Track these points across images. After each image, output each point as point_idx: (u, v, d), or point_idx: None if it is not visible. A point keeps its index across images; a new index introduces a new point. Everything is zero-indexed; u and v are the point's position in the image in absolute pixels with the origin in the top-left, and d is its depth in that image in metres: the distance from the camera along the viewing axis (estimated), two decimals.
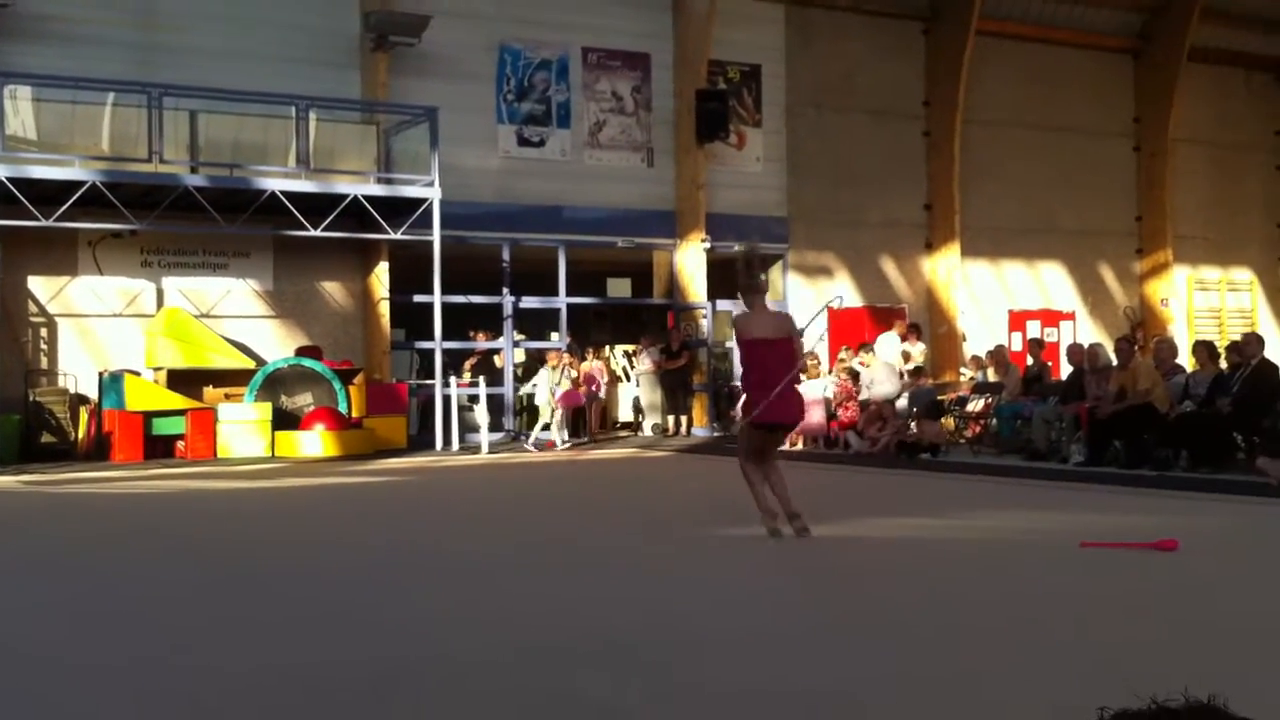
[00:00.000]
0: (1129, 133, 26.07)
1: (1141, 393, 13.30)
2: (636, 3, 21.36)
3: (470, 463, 16.88)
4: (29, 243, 16.80)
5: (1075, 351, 15.68)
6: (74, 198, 16.08)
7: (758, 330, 8.58)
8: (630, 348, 23.27)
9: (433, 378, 18.59)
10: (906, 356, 19.74)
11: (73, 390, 17.27)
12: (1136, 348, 14.94)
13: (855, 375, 17.78)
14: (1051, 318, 24.39)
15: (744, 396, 9.27)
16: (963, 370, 19.46)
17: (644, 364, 21.10)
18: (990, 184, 24.28)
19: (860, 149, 23.26)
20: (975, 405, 16.96)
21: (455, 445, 18.24)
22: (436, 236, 18.06)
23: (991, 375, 17.62)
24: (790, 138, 22.69)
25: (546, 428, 19.03)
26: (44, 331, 17.50)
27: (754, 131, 22.43)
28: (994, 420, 16.38)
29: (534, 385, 19.59)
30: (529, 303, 20.96)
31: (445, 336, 18.66)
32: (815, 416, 16.92)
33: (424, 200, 18.03)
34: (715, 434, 19.33)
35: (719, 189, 21.75)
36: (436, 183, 18.01)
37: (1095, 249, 25.60)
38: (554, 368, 19.20)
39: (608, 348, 23.86)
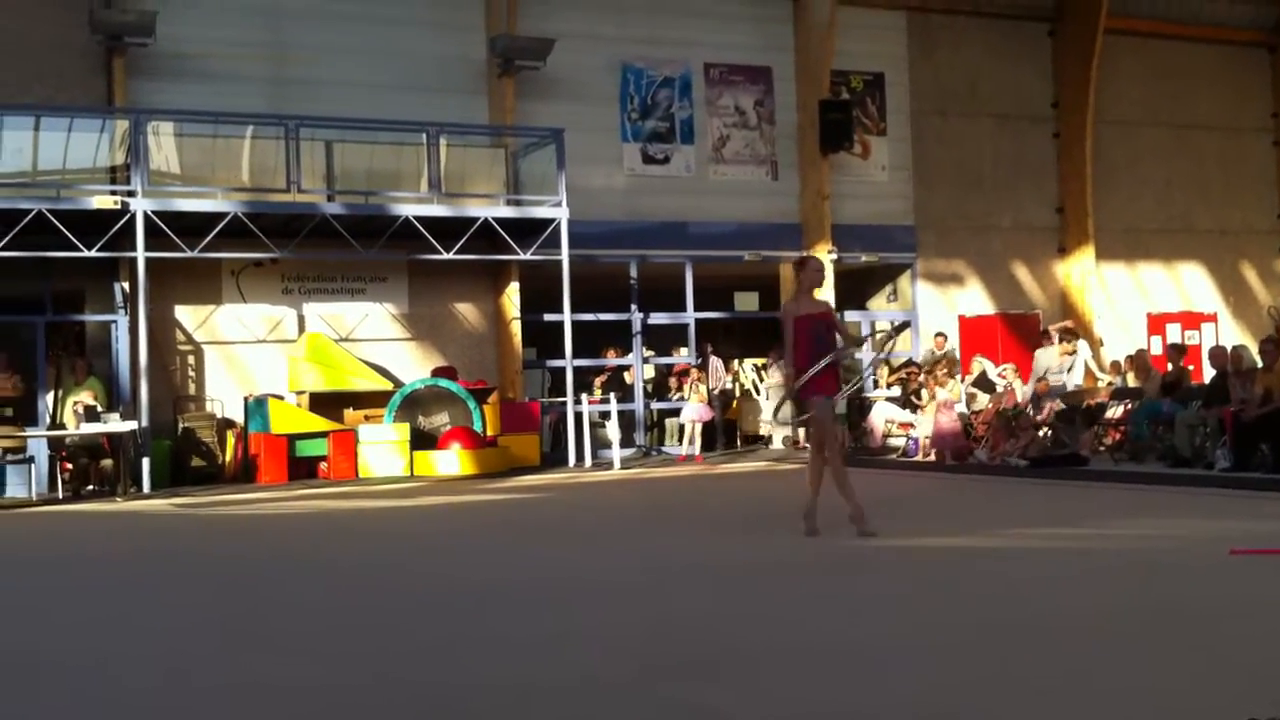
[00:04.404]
0: (1268, 128, 25.35)
1: None
2: (757, 17, 21.42)
3: (603, 479, 17.03)
4: (175, 273, 17.39)
5: (1218, 354, 15.28)
6: (217, 229, 16.61)
7: (805, 309, 9.42)
8: (760, 361, 23.26)
9: (564, 395, 18.80)
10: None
11: (219, 415, 17.82)
12: None
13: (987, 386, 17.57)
14: (1192, 320, 23.77)
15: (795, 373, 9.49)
16: (1100, 375, 19.05)
17: (774, 377, 21.05)
18: (1124, 184, 23.82)
19: (988, 154, 22.99)
20: (1114, 411, 16.59)
21: (588, 462, 18.41)
22: (565, 256, 18.27)
23: (1131, 380, 17.24)
24: (916, 145, 22.51)
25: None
26: (191, 359, 18.10)
27: (879, 140, 22.30)
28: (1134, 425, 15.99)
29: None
30: (657, 319, 21.09)
31: (575, 354, 18.86)
32: (945, 423, 16.72)
33: (552, 220, 18.27)
34: (849, 446, 19.19)
35: (844, 199, 21.67)
36: (564, 203, 18.24)
37: (1235, 248, 24.93)
38: (682, 381, 19.33)
39: (736, 361, 23.88)
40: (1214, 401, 14.29)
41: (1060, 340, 18.11)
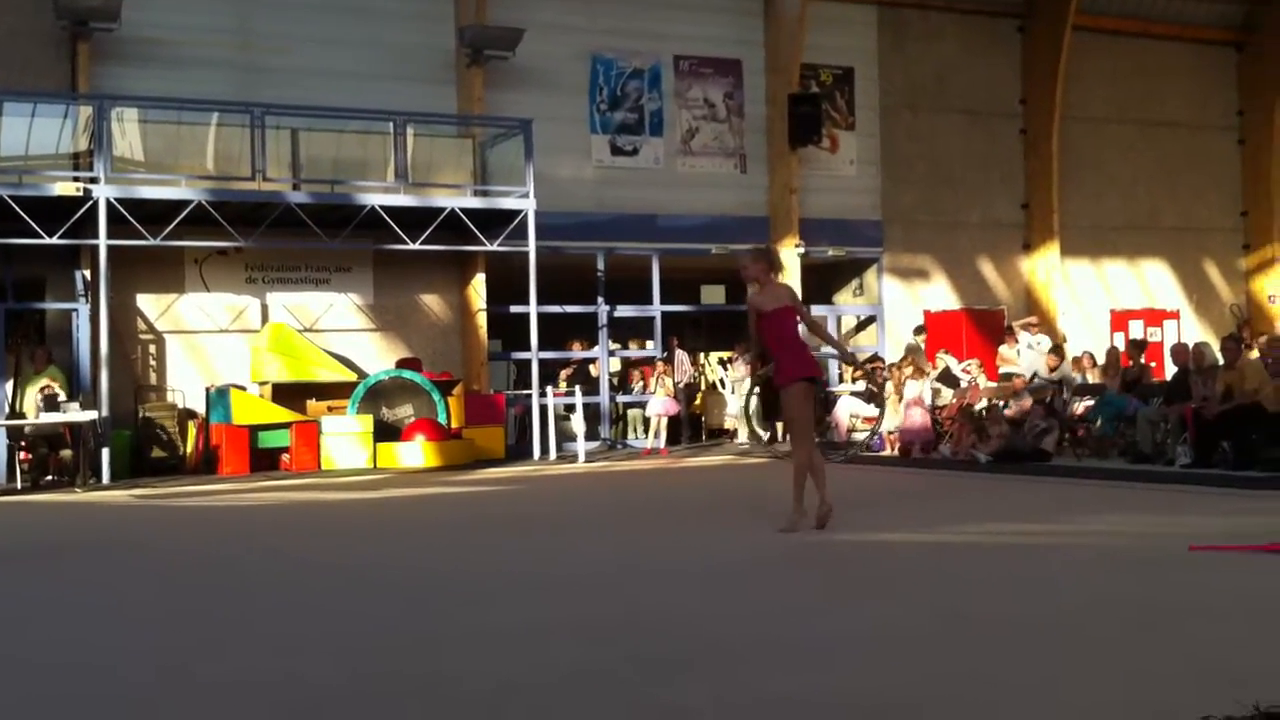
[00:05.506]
0: (1233, 126, 25.54)
1: (1249, 392, 13.03)
2: (727, 9, 21.41)
3: (569, 471, 17.00)
4: (137, 261, 17.24)
5: (1180, 351, 15.39)
6: (180, 217, 16.47)
7: (771, 304, 9.39)
8: (726, 354, 23.29)
9: (529, 388, 18.75)
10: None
11: (181, 405, 17.69)
12: (1243, 346, 14.63)
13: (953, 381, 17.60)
14: (1155, 317, 23.96)
15: (771, 365, 9.90)
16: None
17: (739, 371, 21.08)
18: (1090, 181, 23.95)
19: (955, 149, 23.07)
20: (1076, 408, 16.67)
21: (553, 455, 18.37)
22: (532, 247, 18.23)
23: (1092, 377, 17.32)
24: (884, 140, 22.56)
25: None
26: (152, 348, 17.95)
27: (847, 134, 22.33)
28: (1099, 421, 16.06)
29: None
30: (624, 311, 21.06)
31: (541, 346, 18.81)
32: (916, 418, 16.78)
33: (519, 211, 18.22)
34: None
35: (812, 193, 21.69)
36: (531, 194, 18.18)
37: (1199, 245, 25.12)
38: (653, 376, 19.32)
39: (702, 355, 23.88)
40: (1175, 398, 14.39)
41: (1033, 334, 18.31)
